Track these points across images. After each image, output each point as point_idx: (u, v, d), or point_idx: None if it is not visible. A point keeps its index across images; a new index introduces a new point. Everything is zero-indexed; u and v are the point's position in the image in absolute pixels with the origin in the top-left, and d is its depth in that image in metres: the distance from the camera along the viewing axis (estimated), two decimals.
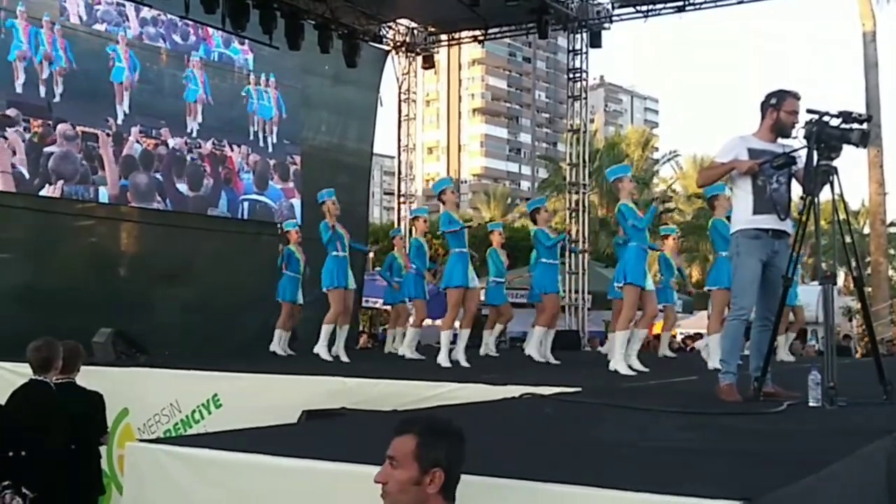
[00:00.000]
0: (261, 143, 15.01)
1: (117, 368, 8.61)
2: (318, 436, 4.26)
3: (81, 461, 5.68)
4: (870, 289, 21.03)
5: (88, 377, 5.99)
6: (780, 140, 5.36)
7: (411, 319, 10.80)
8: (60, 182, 12.14)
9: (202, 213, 14.15)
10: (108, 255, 13.29)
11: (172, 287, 13.47)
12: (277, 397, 7.22)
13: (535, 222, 10.28)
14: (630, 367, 8.03)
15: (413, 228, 12.34)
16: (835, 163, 5.02)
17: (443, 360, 8.75)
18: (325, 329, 9.93)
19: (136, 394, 8.06)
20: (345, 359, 9.94)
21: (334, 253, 10.07)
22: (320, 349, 9.81)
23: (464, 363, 8.78)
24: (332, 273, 9.98)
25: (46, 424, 5.36)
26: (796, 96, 5.34)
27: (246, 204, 14.82)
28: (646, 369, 8.14)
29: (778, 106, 5.31)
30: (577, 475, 2.82)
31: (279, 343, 11.40)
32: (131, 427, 7.95)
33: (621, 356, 8.04)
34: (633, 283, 8.12)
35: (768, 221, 5.30)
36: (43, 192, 11.97)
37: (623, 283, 8.21)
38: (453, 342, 9.34)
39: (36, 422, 5.33)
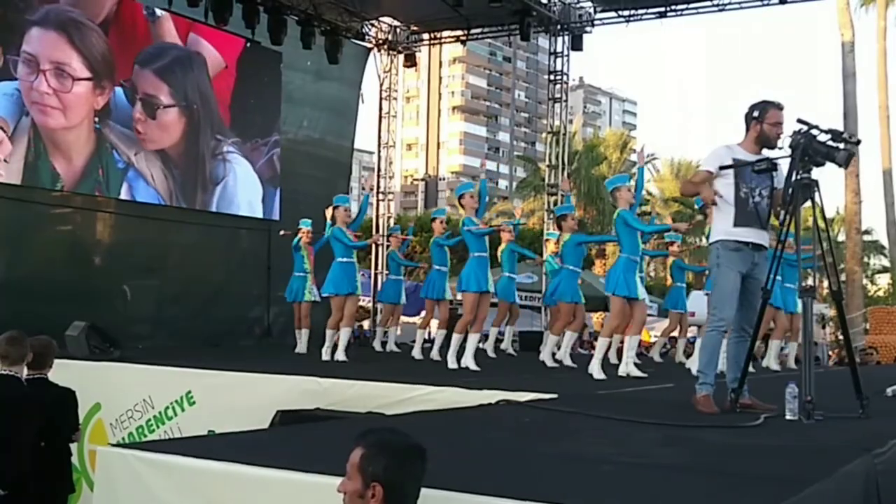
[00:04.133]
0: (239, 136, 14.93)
1: (90, 363, 8.55)
2: (292, 443, 4.27)
3: (52, 459, 5.59)
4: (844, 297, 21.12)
5: (60, 371, 5.90)
6: (764, 151, 5.32)
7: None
8: None
9: (178, 206, 13.92)
10: (83, 246, 13.08)
11: (148, 279, 13.36)
12: (252, 396, 7.21)
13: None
14: (629, 374, 8.09)
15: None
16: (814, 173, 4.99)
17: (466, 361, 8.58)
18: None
19: (108, 389, 8.02)
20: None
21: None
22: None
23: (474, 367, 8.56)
24: None
25: (16, 421, 5.26)
26: (779, 107, 5.28)
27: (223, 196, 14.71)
28: (644, 375, 8.19)
29: (761, 119, 5.26)
30: (555, 493, 2.78)
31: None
32: (103, 423, 7.90)
33: (598, 362, 8.10)
34: (619, 295, 8.08)
35: (749, 234, 5.28)
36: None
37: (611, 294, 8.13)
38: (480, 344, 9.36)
39: (4, 418, 5.22)
